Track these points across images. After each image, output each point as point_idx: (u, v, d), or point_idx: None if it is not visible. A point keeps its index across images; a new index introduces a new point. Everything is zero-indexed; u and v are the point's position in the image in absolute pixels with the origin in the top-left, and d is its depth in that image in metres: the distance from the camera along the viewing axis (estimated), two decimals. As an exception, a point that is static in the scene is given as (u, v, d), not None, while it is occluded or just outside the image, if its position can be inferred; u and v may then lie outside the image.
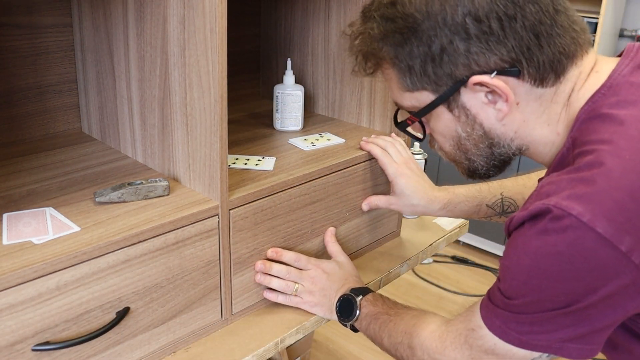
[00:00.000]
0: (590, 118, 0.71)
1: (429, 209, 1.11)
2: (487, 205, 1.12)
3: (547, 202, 0.66)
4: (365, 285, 1.05)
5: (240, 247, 0.96)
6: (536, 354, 0.72)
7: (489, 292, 0.77)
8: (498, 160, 0.82)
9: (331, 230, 1.11)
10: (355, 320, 0.98)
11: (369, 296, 0.99)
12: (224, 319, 0.98)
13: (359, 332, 1.00)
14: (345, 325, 1.00)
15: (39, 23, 1.08)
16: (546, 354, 0.72)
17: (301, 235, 1.07)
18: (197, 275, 0.91)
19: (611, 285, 0.65)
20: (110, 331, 0.82)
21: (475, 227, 2.98)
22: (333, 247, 1.10)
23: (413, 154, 1.31)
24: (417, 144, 1.35)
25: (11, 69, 1.07)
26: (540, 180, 0.74)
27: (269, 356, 0.97)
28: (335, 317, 1.01)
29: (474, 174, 0.85)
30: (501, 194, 1.11)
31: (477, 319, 0.77)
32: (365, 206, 1.16)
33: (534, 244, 0.67)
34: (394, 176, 1.11)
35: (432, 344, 0.84)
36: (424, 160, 1.36)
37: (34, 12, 1.07)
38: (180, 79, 0.90)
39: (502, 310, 0.73)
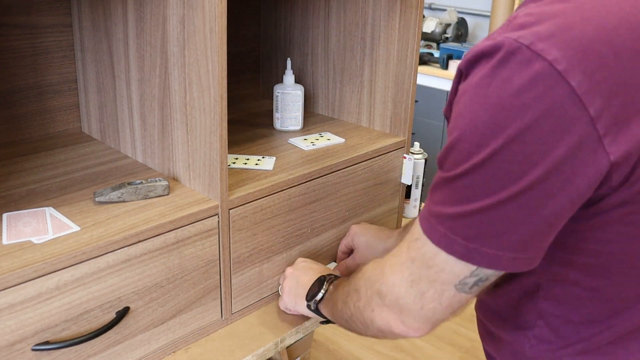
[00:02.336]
0: None
1: (388, 244, 1.09)
2: None
3: (516, 36, 0.58)
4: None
5: (239, 247, 0.96)
6: (469, 270, 0.65)
7: (426, 205, 0.68)
8: None
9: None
10: (321, 299, 0.93)
11: (343, 278, 0.93)
12: (224, 318, 0.98)
13: (332, 325, 0.95)
14: (310, 308, 0.95)
15: (39, 23, 1.08)
16: (482, 269, 0.64)
17: (300, 235, 1.06)
18: (197, 275, 0.91)
19: (565, 148, 0.57)
20: (110, 331, 0.82)
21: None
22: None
23: (412, 153, 1.31)
24: (417, 143, 1.35)
25: (11, 69, 1.07)
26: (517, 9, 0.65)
27: (269, 356, 0.97)
28: (303, 305, 0.97)
29: None
30: None
31: (416, 234, 0.68)
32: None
33: (494, 84, 0.58)
34: (349, 238, 1.15)
35: (372, 275, 0.77)
36: (424, 160, 1.36)
37: (33, 12, 1.07)
38: (180, 78, 0.90)
39: (447, 210, 0.64)
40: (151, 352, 0.89)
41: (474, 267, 0.64)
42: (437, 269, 0.66)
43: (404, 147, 1.24)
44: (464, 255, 0.63)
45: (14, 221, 0.83)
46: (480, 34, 3.37)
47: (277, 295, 1.06)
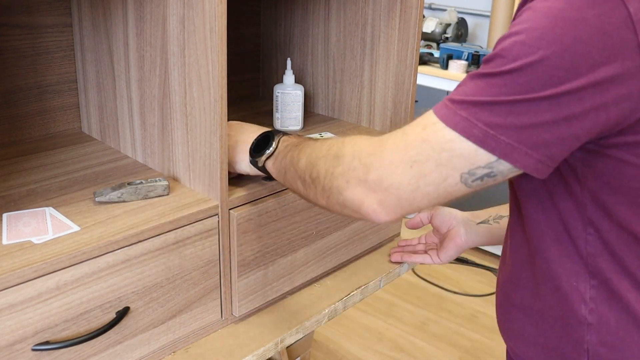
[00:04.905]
0: None
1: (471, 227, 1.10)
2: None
3: None
4: None
5: (245, 249, 0.95)
6: (484, 160, 0.64)
7: (445, 99, 0.68)
8: None
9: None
10: (271, 154, 0.87)
11: (293, 135, 0.89)
12: (224, 319, 0.98)
13: (273, 182, 0.91)
14: (256, 166, 0.90)
15: (39, 23, 1.08)
16: (495, 160, 0.64)
17: (306, 237, 1.06)
18: (197, 275, 0.91)
19: (611, 69, 0.60)
20: (110, 331, 0.82)
21: (476, 227, 2.97)
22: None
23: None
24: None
25: (11, 69, 1.07)
26: None
27: (269, 356, 0.97)
28: (245, 161, 0.92)
29: None
30: None
31: (433, 119, 0.67)
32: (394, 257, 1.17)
33: (558, 5, 0.61)
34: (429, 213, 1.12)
35: (366, 146, 0.72)
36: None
37: (34, 12, 1.07)
38: (180, 78, 0.90)
39: (474, 98, 0.64)
40: (151, 352, 0.89)
41: (490, 158, 0.64)
42: (450, 153, 0.65)
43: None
44: (480, 139, 0.63)
45: (14, 221, 0.83)
46: (480, 34, 3.37)
47: (281, 298, 1.06)
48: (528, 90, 0.61)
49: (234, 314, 0.99)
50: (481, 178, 0.66)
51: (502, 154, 0.63)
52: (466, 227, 1.10)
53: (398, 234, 1.31)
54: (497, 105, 0.62)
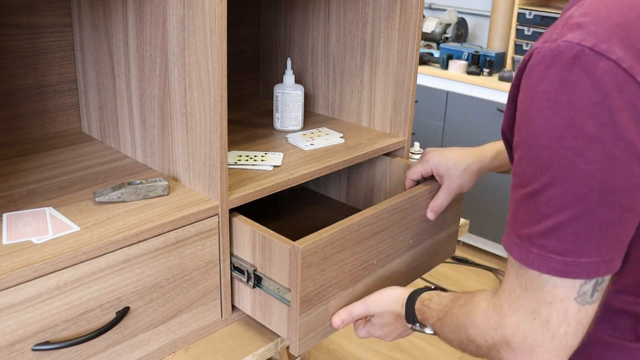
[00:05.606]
0: None
1: (484, 163, 1.05)
2: None
3: (578, 39, 0.59)
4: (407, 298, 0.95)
5: (308, 285, 0.87)
6: (579, 281, 0.63)
7: (509, 229, 0.67)
8: None
9: None
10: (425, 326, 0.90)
11: (417, 305, 0.90)
12: (224, 319, 0.98)
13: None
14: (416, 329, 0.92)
15: (39, 23, 1.08)
16: (587, 281, 0.63)
17: (367, 267, 0.98)
18: (197, 275, 0.91)
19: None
20: (110, 331, 0.82)
21: (476, 227, 2.98)
22: None
23: (412, 153, 1.31)
24: (417, 143, 1.35)
25: (11, 69, 1.07)
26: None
27: (269, 356, 0.97)
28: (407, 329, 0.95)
29: None
30: None
31: (514, 264, 0.67)
32: (431, 215, 1.09)
33: (563, 89, 0.59)
34: (427, 165, 1.07)
35: (486, 323, 0.72)
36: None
37: (34, 12, 1.07)
38: (180, 78, 0.90)
39: (534, 229, 0.63)
40: (151, 352, 0.89)
41: (582, 281, 0.63)
42: (549, 287, 0.64)
43: (404, 147, 1.24)
44: (561, 271, 0.63)
45: (14, 221, 0.83)
46: (480, 34, 3.37)
47: (333, 329, 0.98)
48: (575, 200, 0.61)
49: (292, 353, 0.92)
50: (594, 290, 0.64)
51: (589, 275, 0.63)
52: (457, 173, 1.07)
53: (453, 254, 1.25)
54: (556, 230, 0.62)
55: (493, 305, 0.72)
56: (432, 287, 0.93)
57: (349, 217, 0.93)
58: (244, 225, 0.92)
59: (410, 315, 0.90)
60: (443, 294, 0.89)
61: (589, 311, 0.65)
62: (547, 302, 0.65)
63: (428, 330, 0.88)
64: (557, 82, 0.60)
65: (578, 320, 0.65)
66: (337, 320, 0.93)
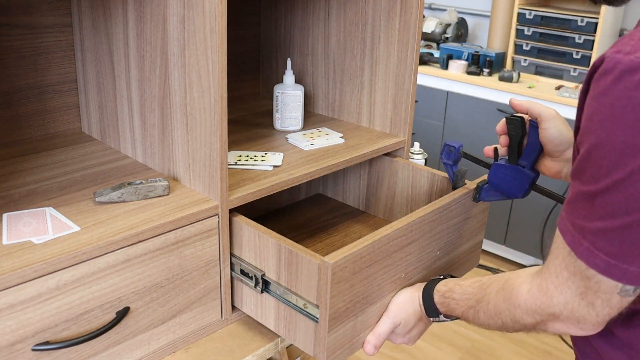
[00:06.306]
0: None
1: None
2: None
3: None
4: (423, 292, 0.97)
5: (337, 301, 0.85)
6: (622, 287, 0.67)
7: (566, 215, 0.70)
8: None
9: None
10: (447, 317, 0.93)
11: (437, 298, 0.93)
12: (224, 319, 0.98)
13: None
14: (439, 320, 0.95)
15: (39, 23, 1.08)
16: (632, 288, 0.67)
17: (394, 281, 0.96)
18: (197, 275, 0.91)
19: None
20: (110, 331, 0.82)
21: (476, 227, 2.97)
22: None
23: (412, 153, 1.31)
24: (417, 143, 1.35)
25: (11, 69, 1.07)
26: None
27: (269, 356, 0.97)
28: (427, 323, 0.98)
29: None
30: None
31: (564, 248, 0.70)
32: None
33: (629, 101, 0.61)
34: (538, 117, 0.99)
35: (532, 303, 0.76)
36: (423, 160, 1.36)
37: (34, 12, 1.07)
38: (180, 78, 0.90)
39: (589, 225, 0.66)
40: (151, 352, 0.89)
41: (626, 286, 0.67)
42: (595, 279, 0.68)
43: (404, 147, 1.24)
44: (604, 270, 0.66)
45: (14, 221, 0.83)
46: (480, 34, 3.37)
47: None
48: (631, 211, 0.63)
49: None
50: (635, 289, 0.68)
51: (628, 282, 0.66)
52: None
53: (477, 264, 1.25)
54: (609, 233, 0.65)
55: (538, 285, 0.76)
56: (441, 277, 0.96)
57: (378, 230, 0.90)
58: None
59: (432, 310, 0.93)
60: (462, 282, 0.91)
61: (631, 299, 0.70)
62: (592, 290, 0.69)
63: (450, 320, 0.93)
64: (625, 98, 0.61)
65: (620, 306, 0.70)
66: (369, 348, 0.93)
